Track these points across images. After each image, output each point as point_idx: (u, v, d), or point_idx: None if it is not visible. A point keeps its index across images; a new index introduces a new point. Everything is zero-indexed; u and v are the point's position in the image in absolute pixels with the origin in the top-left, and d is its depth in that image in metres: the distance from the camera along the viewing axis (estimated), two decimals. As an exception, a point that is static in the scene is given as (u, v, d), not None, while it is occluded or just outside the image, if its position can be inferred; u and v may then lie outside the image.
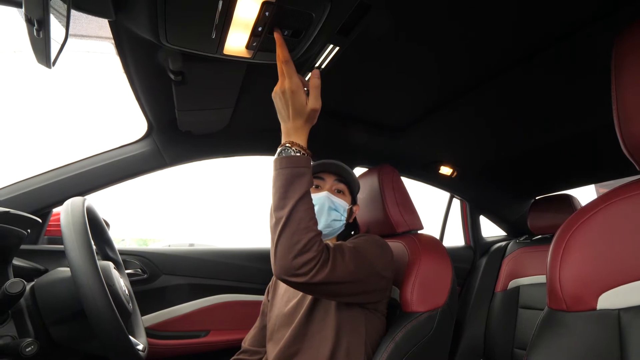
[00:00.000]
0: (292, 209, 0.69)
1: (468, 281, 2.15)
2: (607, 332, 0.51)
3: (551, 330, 0.58)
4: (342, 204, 0.99)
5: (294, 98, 0.73)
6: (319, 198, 0.97)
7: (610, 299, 0.54)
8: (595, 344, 0.51)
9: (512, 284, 1.94)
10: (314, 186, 1.00)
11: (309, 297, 0.90)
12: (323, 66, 1.01)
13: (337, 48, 0.92)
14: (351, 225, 1.06)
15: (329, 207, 0.96)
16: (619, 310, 0.51)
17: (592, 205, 0.61)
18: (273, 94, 0.76)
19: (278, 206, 0.71)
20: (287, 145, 0.74)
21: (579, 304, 0.56)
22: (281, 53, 0.73)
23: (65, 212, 0.72)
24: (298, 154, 0.73)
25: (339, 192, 1.02)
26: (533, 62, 1.02)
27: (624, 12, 0.82)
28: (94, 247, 0.99)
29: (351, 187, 1.06)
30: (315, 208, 0.94)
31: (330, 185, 1.02)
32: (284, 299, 0.98)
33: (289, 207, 0.70)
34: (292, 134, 0.75)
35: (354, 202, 1.07)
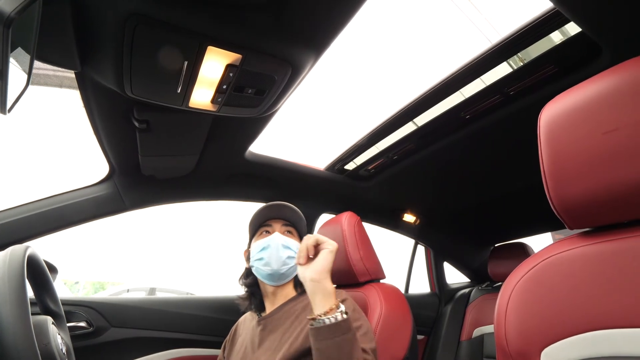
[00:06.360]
0: None
1: (434, 329, 2.13)
2: None
3: None
4: (294, 242, 0.99)
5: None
6: (269, 239, 0.97)
7: (552, 354, 0.56)
8: None
9: (477, 332, 1.94)
10: (263, 232, 1.01)
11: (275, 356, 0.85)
12: None
13: None
14: None
15: (281, 245, 0.96)
16: None
17: (530, 260, 0.65)
18: (331, 254, 0.76)
19: None
20: (341, 308, 0.72)
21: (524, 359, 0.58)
22: (311, 241, 0.77)
23: (2, 262, 0.67)
24: (347, 315, 0.72)
25: (289, 233, 1.03)
26: (488, 120, 1.12)
27: (551, 88, 0.94)
28: (34, 298, 0.91)
29: (298, 229, 1.07)
30: (267, 249, 0.95)
31: (279, 229, 1.02)
32: (239, 354, 0.93)
33: None
34: (334, 294, 0.74)
35: None
